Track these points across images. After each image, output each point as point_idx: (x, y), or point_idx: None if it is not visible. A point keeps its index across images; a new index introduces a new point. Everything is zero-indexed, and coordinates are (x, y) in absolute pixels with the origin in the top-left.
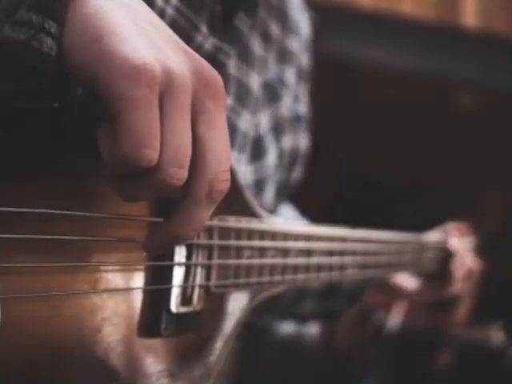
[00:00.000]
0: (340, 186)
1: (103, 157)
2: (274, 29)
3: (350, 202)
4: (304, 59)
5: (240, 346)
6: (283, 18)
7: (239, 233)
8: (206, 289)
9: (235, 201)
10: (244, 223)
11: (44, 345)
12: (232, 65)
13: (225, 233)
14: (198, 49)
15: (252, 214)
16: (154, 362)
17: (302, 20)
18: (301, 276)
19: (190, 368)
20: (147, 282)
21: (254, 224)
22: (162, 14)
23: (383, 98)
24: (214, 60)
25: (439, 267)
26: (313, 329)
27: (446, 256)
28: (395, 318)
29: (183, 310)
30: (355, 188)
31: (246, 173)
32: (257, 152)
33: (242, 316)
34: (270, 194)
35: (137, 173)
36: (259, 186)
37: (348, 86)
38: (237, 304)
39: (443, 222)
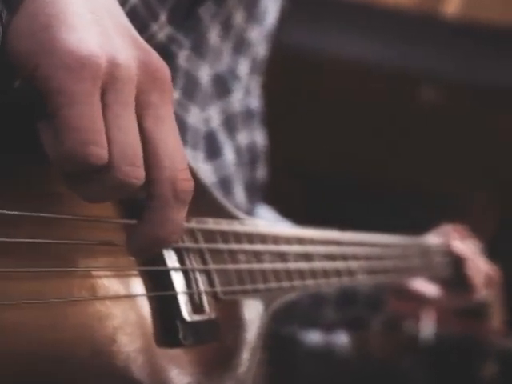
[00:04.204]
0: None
1: (49, 154)
2: (238, 17)
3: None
4: (261, 50)
5: (269, 357)
6: (252, 5)
7: (226, 236)
8: (213, 295)
9: (205, 201)
10: (225, 225)
11: (52, 353)
12: (183, 56)
13: (210, 235)
14: (151, 39)
15: (229, 215)
16: (179, 373)
17: (271, 7)
18: (310, 282)
19: (219, 380)
20: (148, 289)
21: (237, 226)
22: (123, 2)
23: (346, 92)
24: (166, 51)
25: (454, 272)
26: (342, 337)
27: (456, 260)
28: (428, 327)
29: (197, 318)
30: (322, 189)
31: (206, 172)
32: (212, 149)
33: (263, 325)
34: (240, 194)
35: (90, 172)
36: (225, 186)
37: (309, 79)
38: (253, 312)
39: (428, 225)
